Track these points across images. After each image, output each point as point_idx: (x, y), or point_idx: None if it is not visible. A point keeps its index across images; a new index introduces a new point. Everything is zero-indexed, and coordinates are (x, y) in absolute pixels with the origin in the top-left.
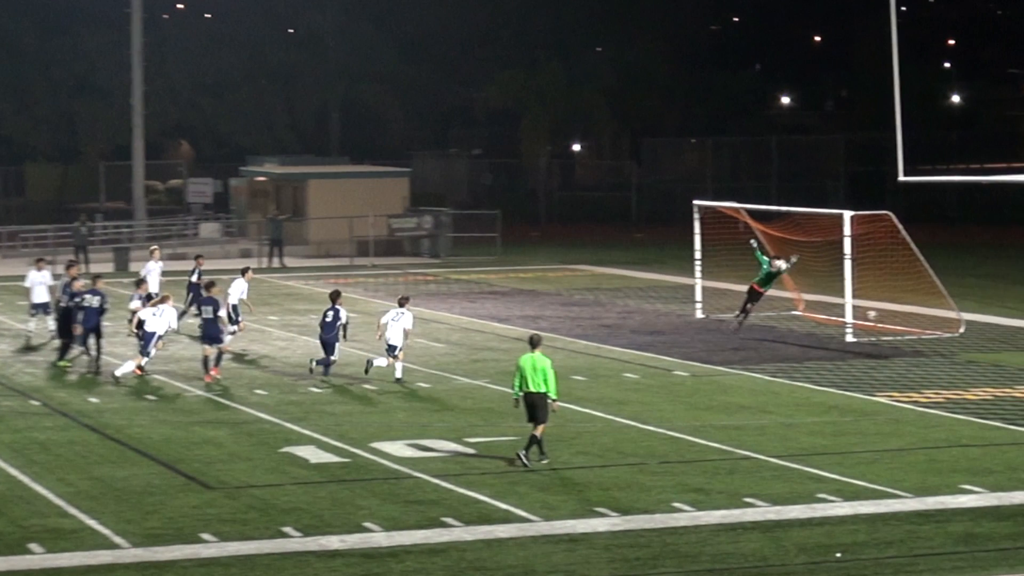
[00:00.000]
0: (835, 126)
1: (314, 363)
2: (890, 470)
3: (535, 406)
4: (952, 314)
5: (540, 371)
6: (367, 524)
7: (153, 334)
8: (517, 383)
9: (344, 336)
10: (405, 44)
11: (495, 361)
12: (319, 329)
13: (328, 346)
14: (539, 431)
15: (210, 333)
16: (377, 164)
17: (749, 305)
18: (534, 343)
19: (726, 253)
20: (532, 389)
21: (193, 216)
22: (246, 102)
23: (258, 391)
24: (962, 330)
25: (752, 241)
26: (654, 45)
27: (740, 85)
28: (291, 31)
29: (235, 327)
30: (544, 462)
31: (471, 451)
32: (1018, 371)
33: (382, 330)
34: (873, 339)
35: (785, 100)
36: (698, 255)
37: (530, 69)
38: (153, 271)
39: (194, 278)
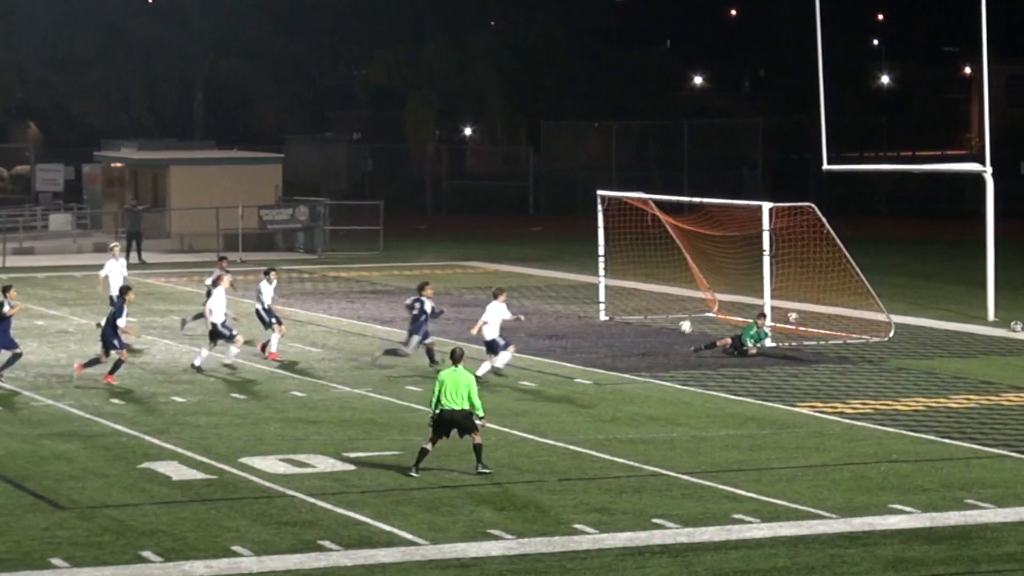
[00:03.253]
0: (753, 109)
1: (380, 356)
2: (813, 488)
3: (454, 422)
4: (881, 316)
5: (465, 386)
6: (235, 548)
7: (224, 320)
8: (435, 399)
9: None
10: (277, 16)
11: (377, 368)
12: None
13: (411, 335)
14: (477, 438)
15: (106, 338)
16: (246, 149)
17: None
18: (456, 358)
19: (633, 249)
20: (454, 406)
21: (41, 206)
22: (101, 80)
23: (114, 400)
24: (892, 334)
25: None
26: (553, 19)
27: (648, 64)
28: (151, 1)
29: (272, 330)
30: (415, 477)
31: (351, 467)
32: (952, 379)
33: (479, 327)
34: (794, 343)
35: (698, 80)
36: (602, 251)
37: (416, 44)
38: (114, 270)
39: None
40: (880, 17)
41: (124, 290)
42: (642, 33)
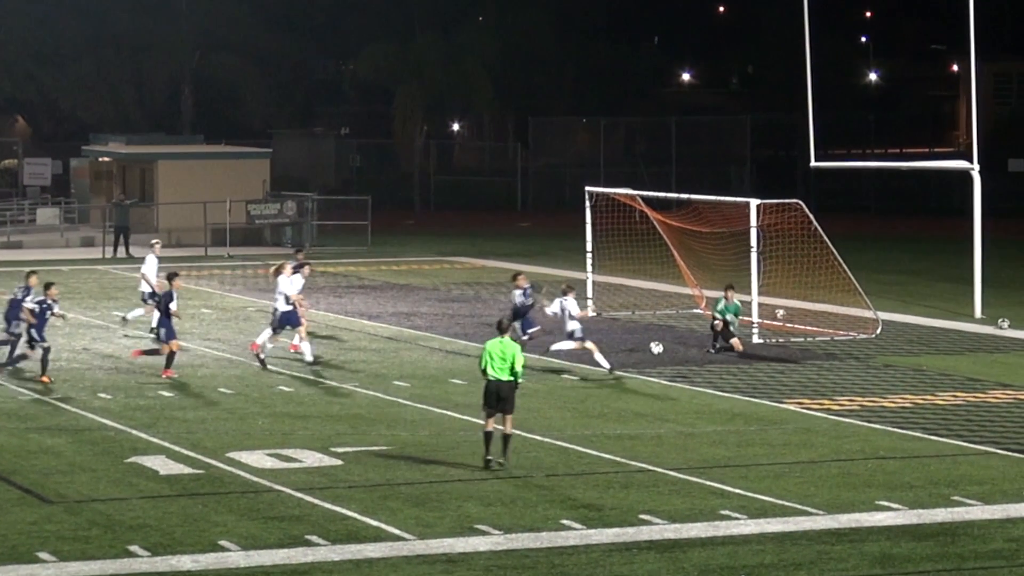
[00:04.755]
0: (741, 106)
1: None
2: (800, 484)
3: (499, 395)
4: (868, 313)
5: (510, 355)
6: (223, 542)
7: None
8: (484, 368)
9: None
10: (265, 10)
11: (364, 362)
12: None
13: (526, 322)
14: (508, 426)
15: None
16: (234, 144)
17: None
18: (502, 328)
19: (620, 245)
20: (499, 376)
21: (29, 200)
22: (89, 74)
23: (101, 394)
24: (879, 331)
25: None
26: (542, 15)
27: (636, 60)
28: None
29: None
30: (492, 462)
31: (338, 462)
32: (939, 376)
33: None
34: (782, 340)
35: (686, 77)
36: (589, 247)
37: (404, 40)
38: (151, 263)
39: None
40: (868, 14)
41: (173, 275)
42: (630, 30)
